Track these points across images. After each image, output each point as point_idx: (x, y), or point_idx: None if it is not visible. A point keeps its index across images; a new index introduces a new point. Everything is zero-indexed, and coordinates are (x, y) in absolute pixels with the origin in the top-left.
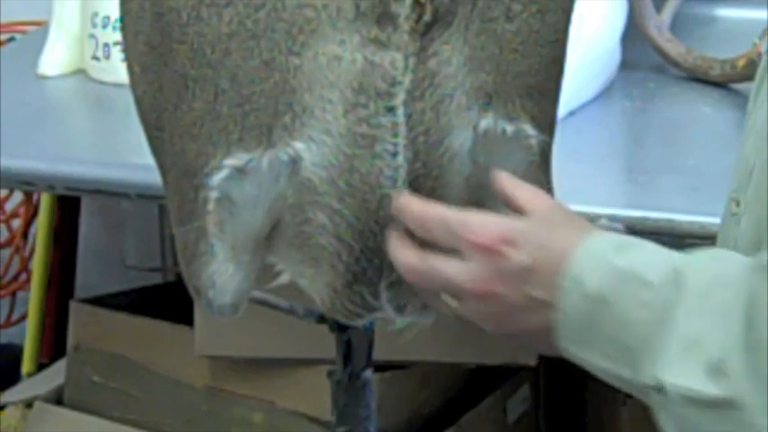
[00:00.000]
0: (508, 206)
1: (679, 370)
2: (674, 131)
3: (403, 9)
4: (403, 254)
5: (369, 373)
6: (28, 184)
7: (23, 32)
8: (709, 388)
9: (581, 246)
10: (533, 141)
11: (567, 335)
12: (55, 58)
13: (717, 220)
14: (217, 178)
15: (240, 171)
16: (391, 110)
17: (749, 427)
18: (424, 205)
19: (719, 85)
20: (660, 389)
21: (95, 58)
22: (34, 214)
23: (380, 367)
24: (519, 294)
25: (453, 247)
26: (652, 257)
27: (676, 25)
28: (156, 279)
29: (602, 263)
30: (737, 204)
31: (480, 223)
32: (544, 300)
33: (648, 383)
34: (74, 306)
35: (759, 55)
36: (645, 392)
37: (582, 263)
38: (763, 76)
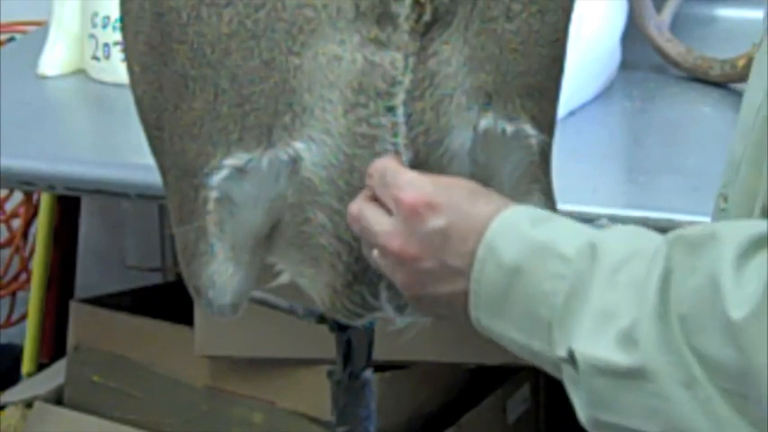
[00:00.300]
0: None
1: (590, 340)
2: (674, 131)
3: (403, 9)
4: (352, 202)
5: (369, 373)
6: (28, 184)
7: (23, 32)
8: (620, 357)
9: (499, 216)
10: (533, 141)
11: (480, 304)
12: (55, 58)
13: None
14: (217, 178)
15: (240, 171)
16: (391, 110)
17: (659, 396)
18: (385, 158)
19: (719, 85)
20: (571, 360)
21: (95, 58)
22: (34, 214)
23: (380, 367)
24: (434, 260)
25: (383, 198)
26: (569, 231)
27: (676, 25)
28: (156, 279)
29: (518, 234)
30: (725, 200)
31: (409, 181)
32: (459, 267)
33: (560, 355)
34: (74, 306)
35: None
36: (556, 366)
37: (498, 233)
38: (754, 72)
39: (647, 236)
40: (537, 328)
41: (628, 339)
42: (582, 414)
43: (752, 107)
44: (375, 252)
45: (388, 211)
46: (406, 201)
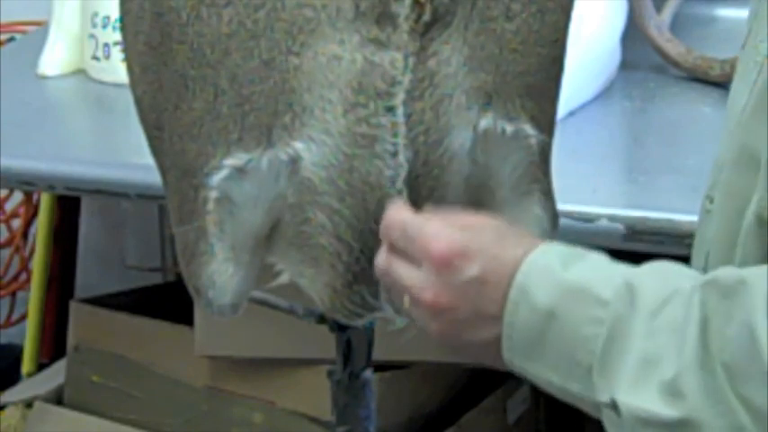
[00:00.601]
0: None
1: (633, 390)
2: (674, 131)
3: (402, 9)
4: (379, 254)
5: (369, 373)
6: (28, 184)
7: (23, 32)
8: (665, 409)
9: (528, 258)
10: (533, 141)
11: (514, 348)
12: (55, 58)
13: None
14: (217, 178)
15: (240, 171)
16: (391, 110)
17: None
18: (395, 208)
19: (719, 85)
20: (614, 407)
21: (95, 58)
22: (34, 214)
23: (380, 367)
24: (469, 309)
25: (410, 252)
26: (602, 271)
27: (676, 25)
28: (156, 279)
29: (550, 276)
30: (711, 201)
31: (435, 233)
32: (493, 314)
33: (602, 401)
34: (74, 306)
35: None
36: (597, 408)
37: (530, 275)
38: (738, 74)
39: (683, 274)
40: (575, 371)
41: (672, 390)
42: None
43: (735, 109)
44: (407, 302)
45: (417, 263)
46: (438, 253)
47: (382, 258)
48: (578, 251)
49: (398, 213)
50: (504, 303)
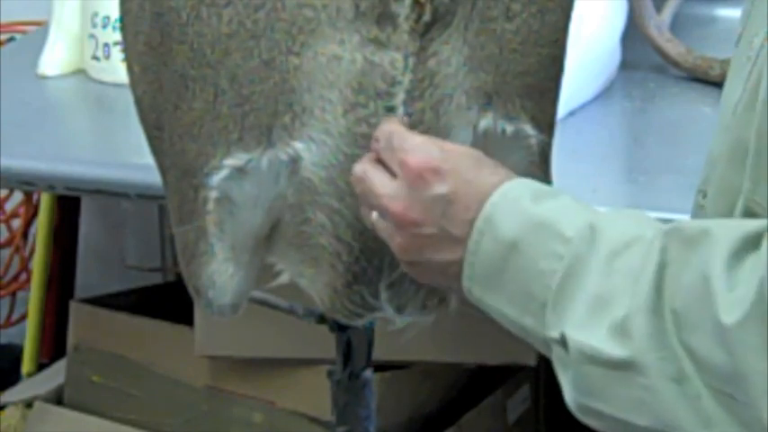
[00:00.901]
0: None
1: (584, 327)
2: (674, 131)
3: (403, 9)
4: (357, 164)
5: (369, 373)
6: (28, 184)
7: (23, 32)
8: (612, 348)
9: (501, 188)
10: (533, 141)
11: (474, 276)
12: (55, 58)
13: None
14: (217, 178)
15: (240, 171)
16: (391, 110)
17: (648, 390)
18: (389, 120)
19: (719, 85)
20: (563, 343)
21: (95, 58)
22: (34, 214)
23: (380, 367)
24: (435, 227)
25: (388, 162)
26: (570, 210)
27: (676, 25)
28: (156, 279)
29: (518, 208)
30: (704, 196)
31: (416, 145)
32: (458, 236)
33: (552, 336)
34: (74, 306)
35: None
36: (547, 345)
37: (499, 206)
38: (731, 70)
39: (648, 223)
40: (530, 305)
41: (621, 331)
42: (569, 398)
43: (729, 105)
44: (374, 214)
45: (393, 175)
46: (412, 165)
47: (360, 165)
48: (552, 189)
49: (389, 125)
50: (470, 229)
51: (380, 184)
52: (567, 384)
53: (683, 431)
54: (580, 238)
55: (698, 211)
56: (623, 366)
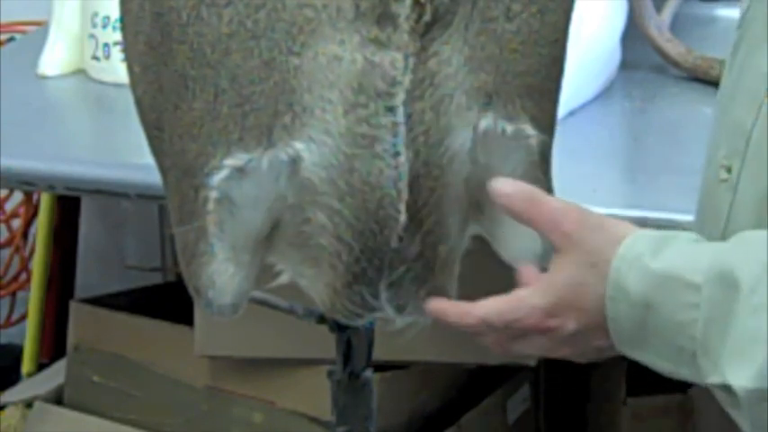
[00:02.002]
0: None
1: (742, 369)
2: (674, 131)
3: (403, 9)
4: (489, 341)
5: (369, 373)
6: (28, 184)
7: (23, 32)
8: None
9: (618, 255)
10: (533, 141)
11: (622, 340)
12: (55, 58)
13: None
14: (217, 178)
15: (240, 171)
16: (391, 110)
17: None
18: (458, 313)
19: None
20: (728, 390)
21: (95, 58)
22: (34, 214)
23: (380, 367)
24: (584, 345)
25: (520, 333)
26: (689, 256)
27: (676, 25)
28: (156, 279)
29: (640, 268)
30: (728, 170)
31: (523, 312)
32: (602, 346)
33: (713, 383)
34: (74, 306)
35: None
36: (712, 389)
37: (621, 271)
38: (739, 41)
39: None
40: (681, 357)
41: None
42: None
43: (756, 76)
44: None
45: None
46: (535, 327)
47: (495, 344)
48: (667, 236)
49: (466, 317)
50: (607, 336)
51: (530, 348)
52: (743, 423)
53: None
54: (710, 282)
55: (719, 187)
56: None
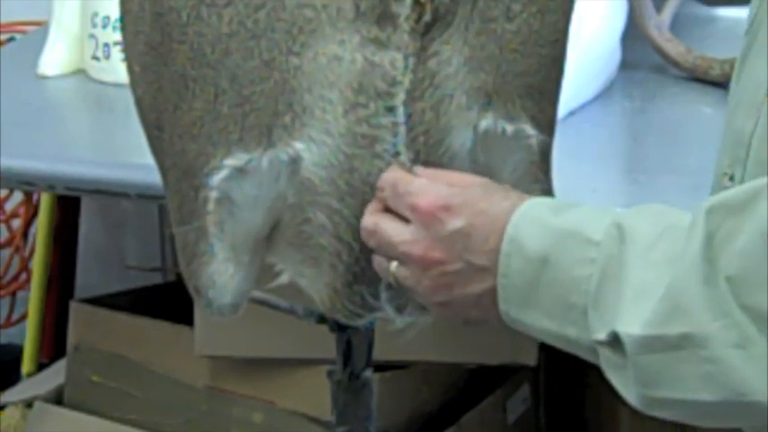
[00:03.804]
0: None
1: (633, 317)
2: (674, 131)
3: (403, 9)
4: (365, 217)
5: (369, 373)
6: (28, 184)
7: (23, 32)
8: (668, 327)
9: (518, 209)
10: (533, 141)
11: (510, 298)
12: (55, 58)
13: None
14: (217, 178)
15: (240, 171)
16: (391, 110)
17: (713, 362)
18: (389, 169)
19: (719, 85)
20: (614, 343)
21: (95, 58)
22: (34, 214)
23: (380, 367)
24: (458, 261)
25: (398, 209)
26: (592, 215)
27: (676, 25)
28: (156, 279)
29: (541, 224)
30: (731, 179)
31: (421, 187)
32: (484, 265)
33: (599, 338)
34: (74, 306)
35: None
36: (593, 351)
37: (520, 226)
38: (747, 49)
39: (672, 212)
40: (571, 315)
41: (674, 308)
42: (631, 395)
43: (756, 83)
44: (394, 265)
45: (405, 221)
46: (423, 206)
47: (369, 218)
48: (567, 202)
49: (390, 173)
50: (495, 256)
51: (395, 232)
52: (626, 383)
53: (754, 395)
54: (609, 238)
55: None
56: (684, 343)
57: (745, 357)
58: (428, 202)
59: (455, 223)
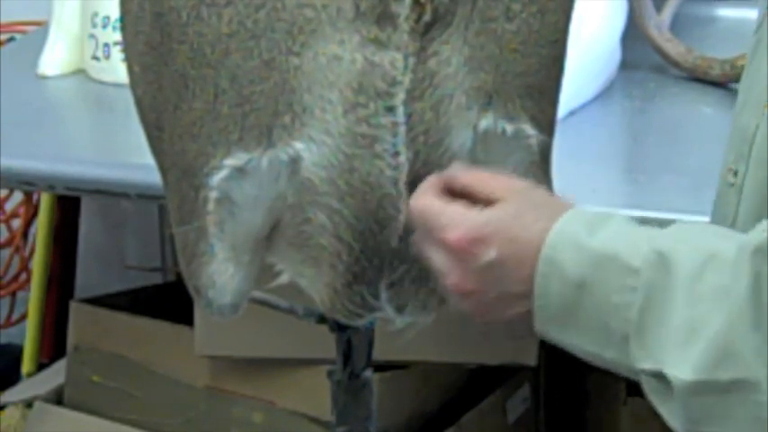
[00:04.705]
0: (479, 199)
1: (681, 361)
2: (674, 131)
3: (403, 9)
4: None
5: (369, 373)
6: (28, 184)
7: (23, 32)
8: (719, 373)
9: (553, 229)
10: (533, 141)
11: (547, 319)
12: (55, 58)
13: None
14: (217, 178)
15: (240, 171)
16: (391, 110)
17: (762, 406)
18: (417, 195)
19: (719, 85)
20: (660, 377)
21: (95, 58)
22: (34, 214)
23: (380, 367)
24: (494, 290)
25: (430, 243)
26: (628, 237)
27: (676, 25)
28: (156, 279)
29: (577, 245)
30: (735, 174)
31: (450, 220)
32: (520, 293)
33: (641, 368)
34: (74, 306)
35: None
36: (634, 373)
37: (557, 247)
38: (756, 47)
39: (713, 233)
40: (611, 339)
41: (724, 352)
42: (677, 425)
43: (761, 83)
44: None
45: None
46: (453, 243)
47: (416, 242)
48: (601, 214)
49: (418, 200)
50: (531, 284)
51: (435, 261)
52: (672, 413)
53: None
54: (649, 267)
55: (728, 191)
56: (734, 388)
57: None
58: (458, 236)
59: (488, 255)
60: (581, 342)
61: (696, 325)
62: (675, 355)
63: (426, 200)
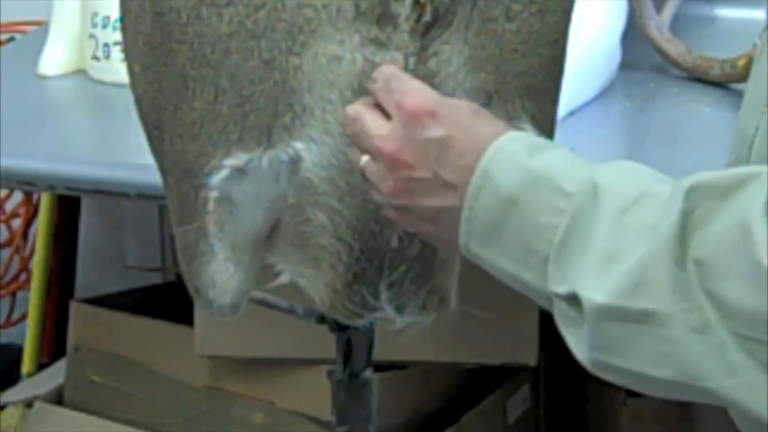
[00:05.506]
0: None
1: (597, 283)
2: (674, 131)
3: (403, 9)
4: (350, 106)
5: (369, 373)
6: (28, 184)
7: (23, 32)
8: (631, 301)
9: (495, 142)
10: None
11: (472, 232)
12: (55, 58)
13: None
14: (217, 178)
15: (240, 171)
16: None
17: (670, 341)
18: (389, 65)
19: (719, 85)
20: (572, 301)
21: (95, 58)
22: (34, 214)
23: (380, 367)
24: (428, 170)
25: (384, 103)
26: (568, 164)
27: (676, 25)
28: (156, 279)
29: (515, 163)
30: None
31: (414, 88)
32: (451, 181)
33: (555, 291)
34: (74, 306)
35: None
36: (548, 299)
37: (495, 161)
38: (762, 51)
39: (650, 176)
40: (531, 260)
41: (640, 283)
42: (581, 354)
43: (761, 85)
44: (364, 158)
45: (388, 117)
46: (408, 106)
47: (355, 106)
48: (546, 142)
49: (389, 68)
50: (465, 174)
51: (374, 125)
52: (578, 339)
53: (705, 381)
54: (582, 193)
55: None
56: (644, 319)
57: (701, 342)
58: (415, 103)
59: (435, 131)
60: (501, 260)
61: (618, 254)
62: (592, 277)
63: (396, 69)
